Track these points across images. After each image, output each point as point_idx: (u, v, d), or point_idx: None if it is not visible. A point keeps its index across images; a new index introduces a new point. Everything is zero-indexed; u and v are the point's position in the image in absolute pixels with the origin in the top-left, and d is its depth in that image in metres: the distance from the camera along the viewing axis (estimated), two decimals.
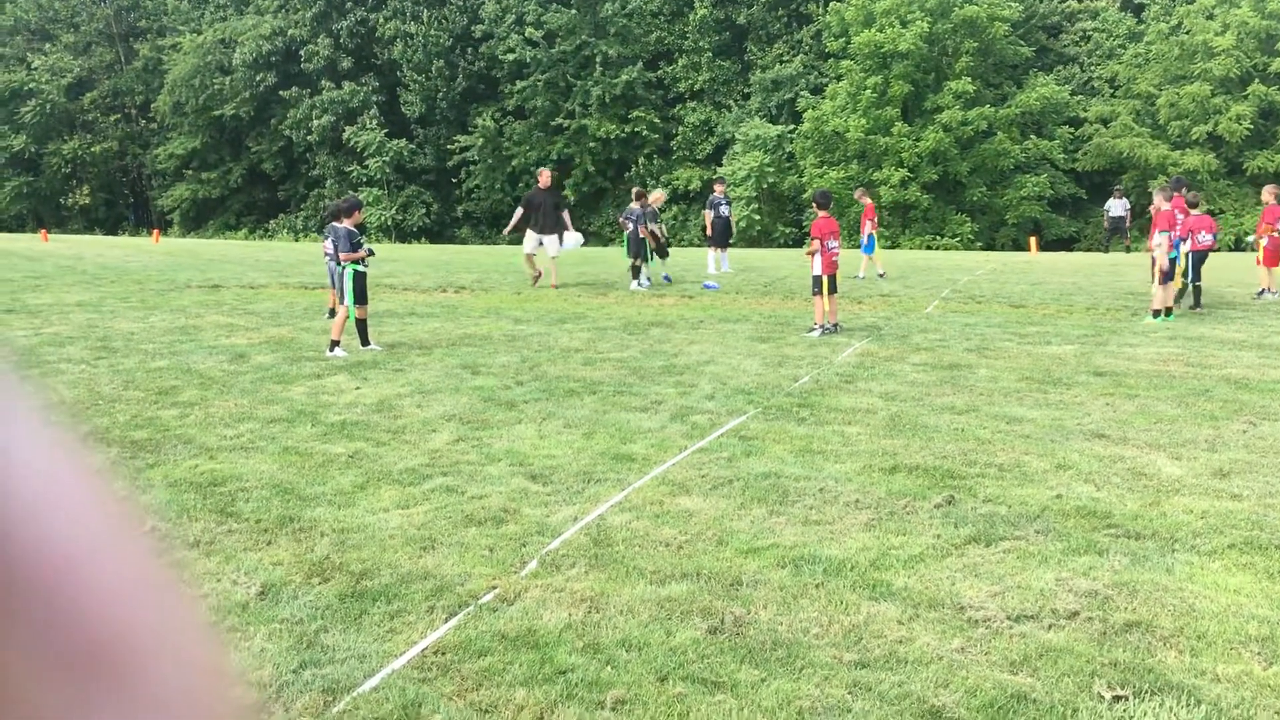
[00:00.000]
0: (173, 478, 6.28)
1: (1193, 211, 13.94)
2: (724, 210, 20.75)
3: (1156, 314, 13.27)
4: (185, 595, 0.27)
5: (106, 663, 0.24)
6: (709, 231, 20.87)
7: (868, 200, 20.51)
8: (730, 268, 21.51)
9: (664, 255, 19.12)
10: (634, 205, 18.70)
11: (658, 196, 20.33)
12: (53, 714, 0.22)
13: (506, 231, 18.95)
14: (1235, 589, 4.47)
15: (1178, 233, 13.42)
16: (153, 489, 6.05)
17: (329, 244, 14.03)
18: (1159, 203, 13.36)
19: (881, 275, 19.94)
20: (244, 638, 4.05)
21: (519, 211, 18.40)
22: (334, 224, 11.18)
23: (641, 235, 18.25)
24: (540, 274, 18.42)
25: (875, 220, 20.49)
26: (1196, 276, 14.40)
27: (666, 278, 19.15)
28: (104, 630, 0.24)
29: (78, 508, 0.25)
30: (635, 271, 18.43)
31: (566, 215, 18.27)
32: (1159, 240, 13.05)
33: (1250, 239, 17.26)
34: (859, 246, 20.36)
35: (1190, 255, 14.17)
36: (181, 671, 0.26)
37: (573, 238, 18.15)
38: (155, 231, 47.63)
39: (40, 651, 0.23)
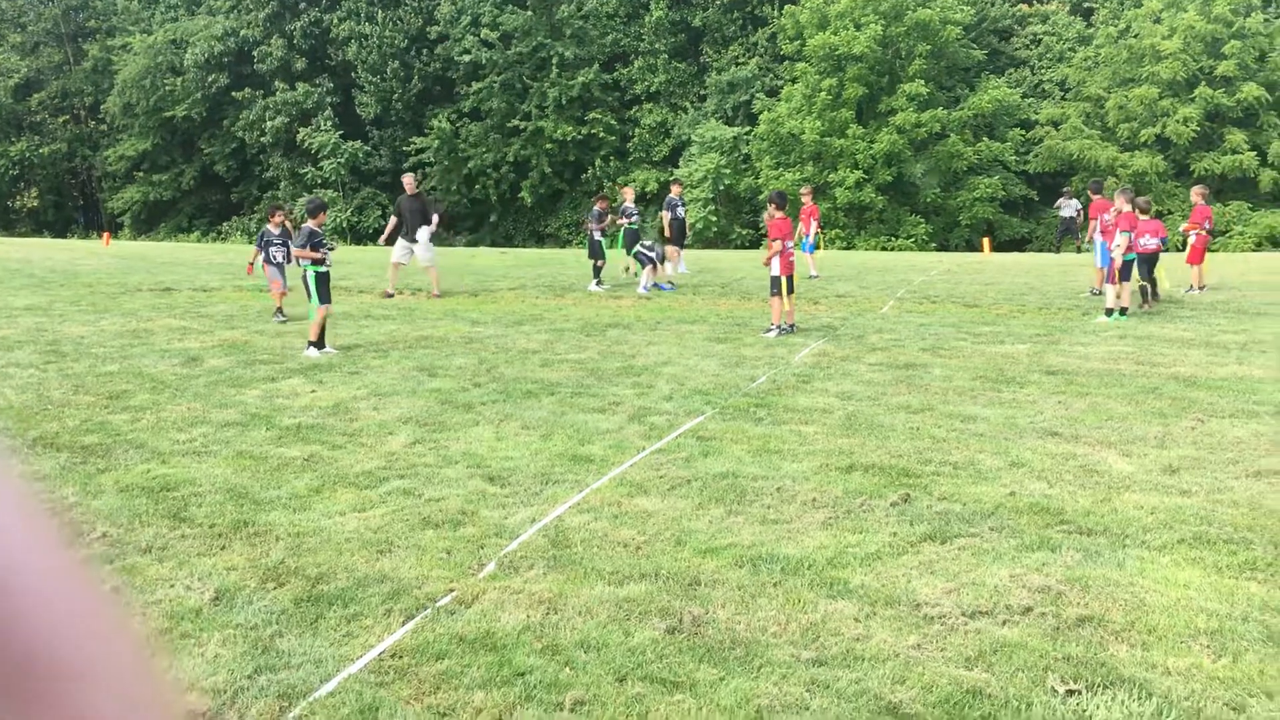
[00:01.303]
0: (124, 483, 6.19)
1: (1142, 217, 14.20)
2: (680, 211, 20.79)
3: (1110, 312, 13.50)
4: (119, 610, 0.27)
5: (38, 679, 0.23)
6: (667, 233, 20.89)
7: (810, 201, 20.73)
8: (687, 269, 21.58)
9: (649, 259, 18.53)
10: (596, 208, 18.68)
11: (627, 192, 20.30)
12: None
13: (382, 240, 18.06)
14: (1185, 583, 4.54)
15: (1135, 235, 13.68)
16: (103, 494, 5.96)
17: (262, 243, 14.06)
18: (1120, 204, 13.69)
19: (813, 276, 19.89)
20: (198, 644, 4.00)
21: (392, 220, 17.60)
22: (288, 226, 11.18)
23: (598, 238, 18.27)
24: (394, 293, 17.42)
25: (819, 221, 20.82)
26: (1145, 276, 14.66)
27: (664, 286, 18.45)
28: (34, 647, 0.23)
29: (3, 527, 0.25)
30: (596, 272, 18.43)
31: (436, 217, 17.53)
32: (1119, 241, 13.36)
33: (1181, 230, 17.94)
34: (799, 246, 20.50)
35: (1138, 258, 14.44)
36: (118, 686, 0.25)
37: (426, 232, 17.31)
38: (105, 234, 46.93)
39: None
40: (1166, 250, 15.82)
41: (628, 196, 19.94)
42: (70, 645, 0.24)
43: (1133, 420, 7.67)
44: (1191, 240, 17.07)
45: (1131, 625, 4.13)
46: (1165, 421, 7.61)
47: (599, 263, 18.36)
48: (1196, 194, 18.07)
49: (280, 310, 13.99)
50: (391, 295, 17.30)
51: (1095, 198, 16.41)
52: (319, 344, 10.86)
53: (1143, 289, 14.73)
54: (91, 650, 0.25)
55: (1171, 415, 7.81)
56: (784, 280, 12.18)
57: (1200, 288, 16.95)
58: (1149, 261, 14.57)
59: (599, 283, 18.35)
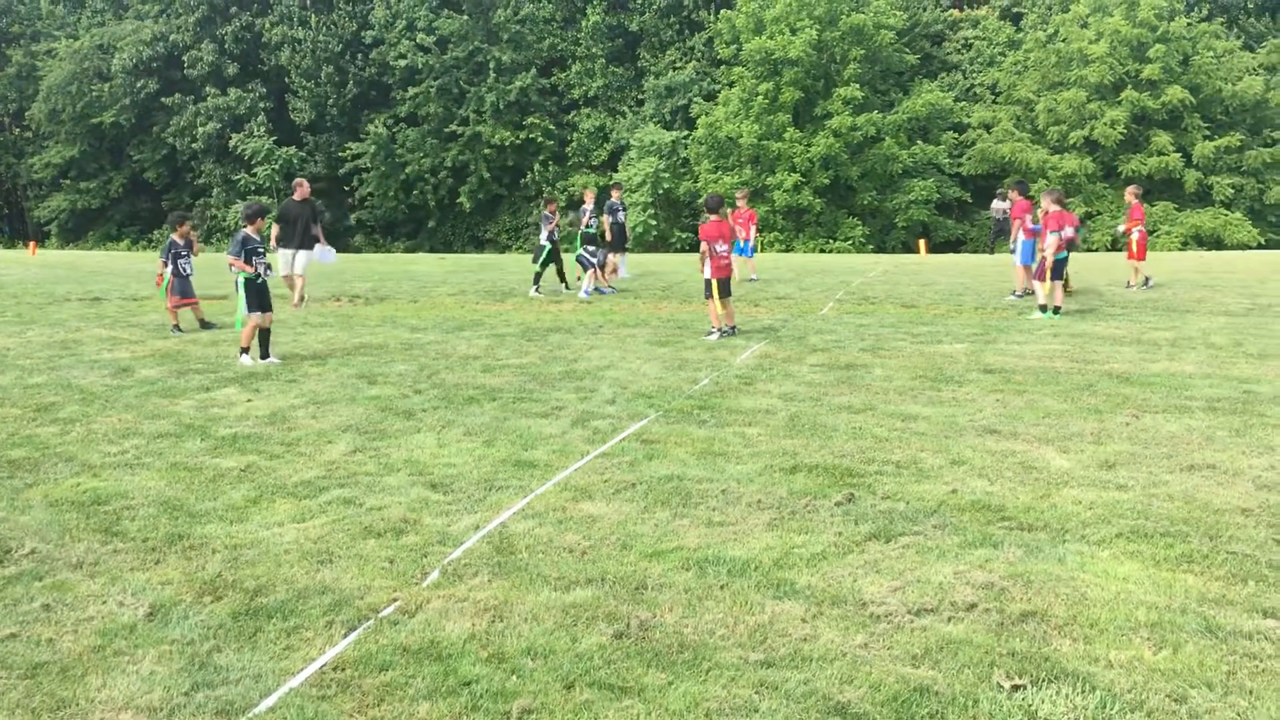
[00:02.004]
0: (53, 497, 6.02)
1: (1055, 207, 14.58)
2: (620, 216, 20.81)
3: (1044, 309, 13.79)
4: None
5: None
6: (608, 237, 20.87)
7: (744, 205, 20.85)
8: (628, 273, 21.60)
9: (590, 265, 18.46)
10: (545, 211, 18.53)
11: (588, 195, 20.11)
12: None
13: (273, 244, 17.16)
14: (1124, 577, 4.60)
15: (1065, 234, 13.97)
16: (32, 509, 5.79)
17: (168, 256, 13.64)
18: (1047, 205, 13.98)
19: (752, 279, 20.07)
20: (132, 661, 3.89)
21: (275, 228, 17.01)
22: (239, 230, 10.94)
23: (542, 241, 18.18)
24: (304, 298, 16.92)
25: (756, 224, 21.02)
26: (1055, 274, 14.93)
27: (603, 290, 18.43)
28: None
29: None
30: (536, 278, 18.30)
31: (319, 229, 17.02)
32: (1050, 240, 13.69)
33: (1120, 229, 18.52)
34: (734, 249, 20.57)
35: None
36: None
37: (325, 252, 16.84)
38: (32, 243, 45.82)
39: None
40: (1092, 250, 16.26)
41: (587, 200, 19.82)
42: None
43: (1069, 417, 7.79)
44: (1135, 237, 17.71)
45: (1073, 619, 4.17)
46: (1101, 418, 7.73)
47: (539, 268, 18.25)
48: (1131, 194, 18.81)
49: (204, 320, 13.74)
50: (302, 300, 16.80)
51: (1016, 199, 16.82)
52: (254, 351, 10.66)
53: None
54: None
55: (1106, 411, 7.94)
56: (715, 283, 12.19)
57: (1147, 281, 17.75)
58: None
59: (536, 289, 18.20)
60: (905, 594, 4.44)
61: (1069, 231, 14.30)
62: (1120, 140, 39.46)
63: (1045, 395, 8.60)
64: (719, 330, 12.23)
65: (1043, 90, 42.04)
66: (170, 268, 13.63)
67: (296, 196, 17.01)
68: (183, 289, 13.64)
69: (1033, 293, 14.70)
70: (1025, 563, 4.78)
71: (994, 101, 44.48)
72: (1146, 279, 17.78)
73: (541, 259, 18.22)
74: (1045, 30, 43.16)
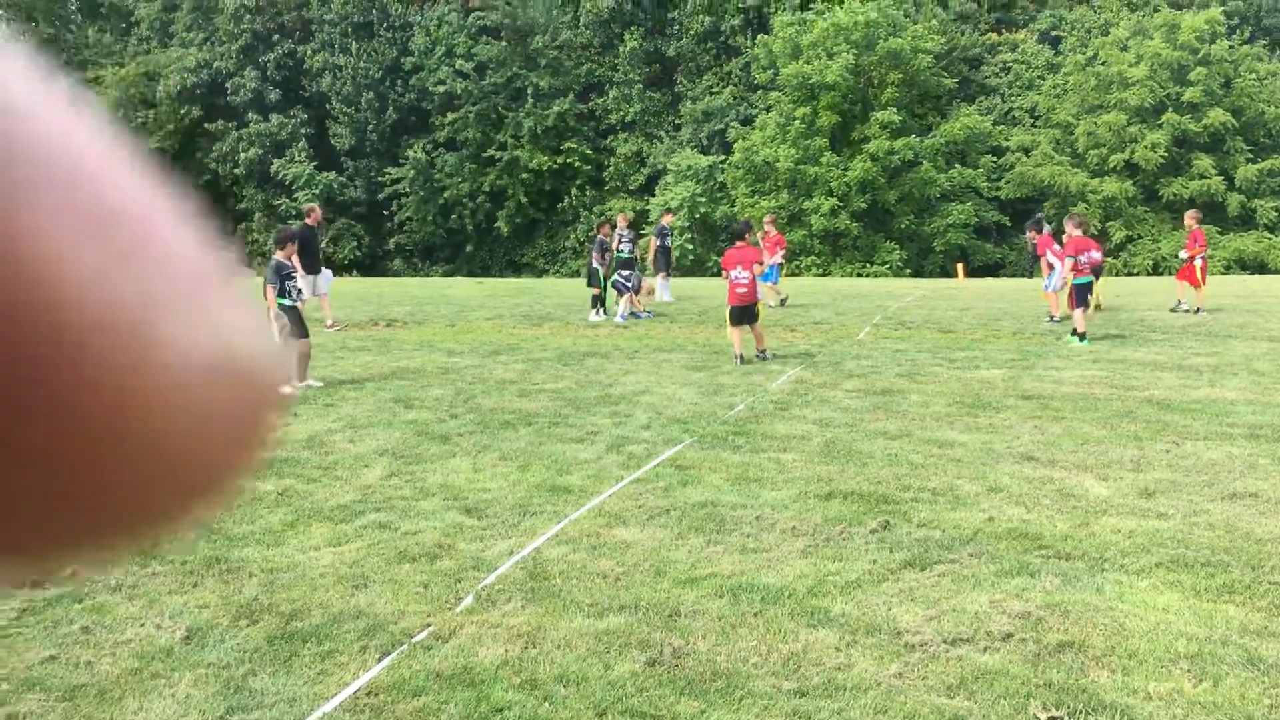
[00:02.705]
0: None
1: (1076, 232, 14.52)
2: (667, 240, 21.05)
3: (1075, 334, 13.71)
4: (158, 179, 0.30)
5: (127, 221, 0.26)
6: (649, 259, 21.13)
7: (774, 230, 20.82)
8: (671, 296, 21.73)
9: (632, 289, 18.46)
10: (600, 236, 18.56)
11: (621, 220, 20.19)
12: (91, 267, 0.24)
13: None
14: (1164, 607, 4.54)
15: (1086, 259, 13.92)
16: None
17: None
18: (1070, 230, 13.98)
19: (775, 305, 19.71)
20: (168, 684, 3.93)
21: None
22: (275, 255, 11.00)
23: (595, 265, 18.18)
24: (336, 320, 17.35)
25: (784, 249, 20.98)
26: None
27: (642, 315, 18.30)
28: (104, 187, 0.26)
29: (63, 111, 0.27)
30: (594, 302, 18.24)
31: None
32: (1068, 265, 13.78)
33: (1183, 255, 18.25)
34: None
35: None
36: (183, 230, 0.28)
37: (326, 275, 17.34)
38: None
39: (70, 212, 0.24)
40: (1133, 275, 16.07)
41: (621, 224, 19.89)
42: (147, 198, 0.28)
43: (1108, 444, 7.70)
44: (1198, 264, 17.44)
45: (1112, 650, 4.12)
46: (1140, 445, 7.64)
47: (597, 291, 18.17)
48: (1191, 219, 18.38)
49: None
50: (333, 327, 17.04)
51: (1036, 237, 16.82)
52: (295, 378, 10.76)
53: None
54: (161, 206, 0.29)
55: (1146, 438, 7.85)
56: (729, 310, 12.21)
57: (1198, 310, 17.35)
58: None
59: (599, 312, 18.09)
60: (940, 623, 4.40)
61: (1095, 255, 14.25)
62: (1161, 163, 39.16)
63: (1084, 422, 8.52)
64: (739, 357, 12.12)
65: (1082, 113, 41.82)
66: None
67: (310, 221, 17.20)
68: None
69: (1067, 317, 14.61)
70: (1063, 592, 4.72)
71: (1033, 125, 44.29)
72: (1198, 308, 17.31)
73: (599, 280, 18.12)
74: (1084, 53, 42.98)
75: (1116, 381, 10.45)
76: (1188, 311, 17.25)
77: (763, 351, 12.38)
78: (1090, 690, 3.77)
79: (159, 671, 4.05)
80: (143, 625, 4.51)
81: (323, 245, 17.99)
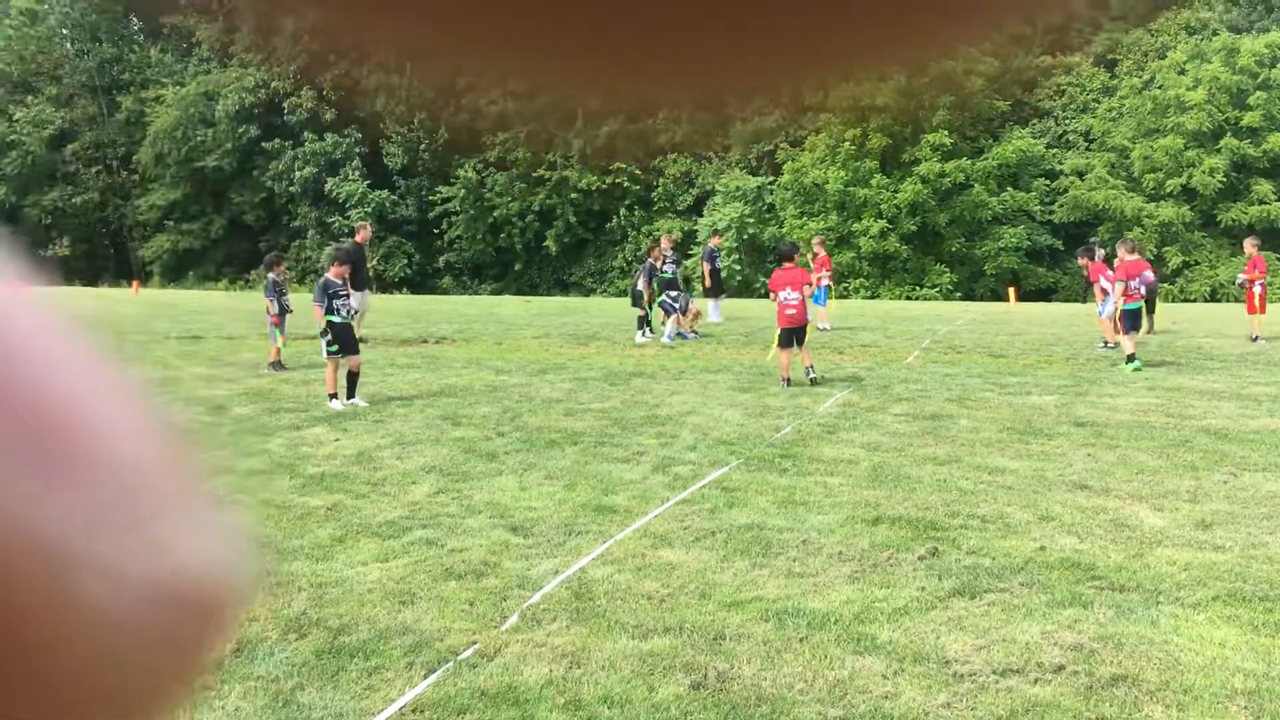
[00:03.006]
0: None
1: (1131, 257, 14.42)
2: (717, 262, 21.16)
3: (1130, 359, 13.54)
4: (131, 383, 0.28)
5: (53, 426, 0.24)
6: (707, 283, 21.28)
7: (822, 251, 20.74)
8: (720, 318, 21.76)
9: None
10: (649, 261, 18.58)
11: (665, 241, 20.23)
12: (18, 492, 0.23)
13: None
14: (1220, 642, 4.44)
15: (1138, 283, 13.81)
16: None
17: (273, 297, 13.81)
18: (1122, 254, 13.97)
19: (825, 328, 19.56)
20: (218, 696, 3.97)
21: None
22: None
23: (639, 288, 18.23)
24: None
25: (830, 270, 20.91)
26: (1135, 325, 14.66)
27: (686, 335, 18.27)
28: (42, 392, 0.25)
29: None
30: (640, 323, 18.24)
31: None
32: (1118, 290, 13.71)
33: (1240, 279, 17.91)
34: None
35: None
36: (134, 436, 0.26)
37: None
38: (135, 282, 47.51)
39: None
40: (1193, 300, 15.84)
41: (665, 245, 19.92)
42: (93, 401, 0.26)
43: (1164, 474, 7.57)
44: (1257, 290, 17.09)
45: (1166, 685, 4.04)
46: (1197, 475, 7.50)
47: (643, 313, 18.19)
48: (1250, 245, 17.93)
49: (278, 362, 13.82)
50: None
51: (1088, 264, 16.73)
52: (342, 394, 10.85)
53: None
54: (114, 408, 0.27)
55: (1203, 469, 7.70)
56: (778, 333, 12.13)
57: (1256, 339, 16.90)
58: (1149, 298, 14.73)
59: (645, 333, 18.13)
60: (990, 653, 4.34)
61: (1149, 276, 14.12)
62: (1219, 188, 38.56)
63: (1139, 450, 8.38)
64: (785, 380, 12.02)
65: (1138, 137, 41.31)
66: (275, 306, 13.86)
67: (359, 239, 17.42)
68: (282, 327, 13.92)
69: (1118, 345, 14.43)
70: (1116, 624, 4.64)
71: (1087, 148, 43.81)
72: (1256, 336, 16.83)
73: (643, 302, 18.14)
74: (1141, 77, 42.50)
75: (1173, 410, 10.28)
76: (1259, 341, 16.76)
77: (810, 368, 12.20)
78: None
79: (208, 683, 4.08)
80: None
81: (373, 263, 18.33)
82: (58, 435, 0.24)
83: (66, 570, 0.23)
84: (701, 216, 46.74)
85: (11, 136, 59.89)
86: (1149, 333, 15.64)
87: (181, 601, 0.26)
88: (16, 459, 0.23)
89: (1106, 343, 16.03)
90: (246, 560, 0.28)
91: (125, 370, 0.27)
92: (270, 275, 14.38)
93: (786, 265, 12.31)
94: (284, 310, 13.80)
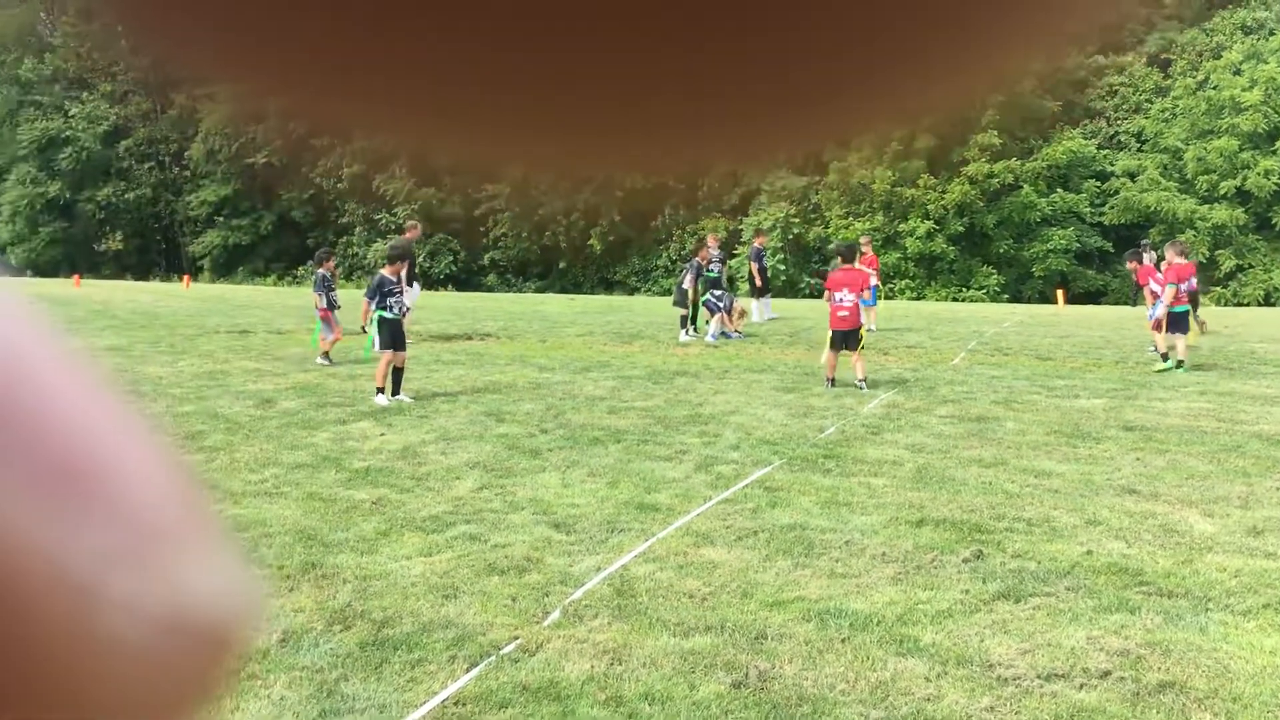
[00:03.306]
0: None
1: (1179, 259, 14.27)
2: (764, 261, 21.24)
3: (1180, 364, 13.45)
4: (138, 418, 0.30)
5: (75, 471, 0.26)
6: (758, 282, 21.37)
7: (870, 251, 20.69)
8: (773, 314, 21.88)
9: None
10: (696, 260, 18.57)
11: (714, 239, 20.29)
12: (40, 528, 0.24)
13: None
14: (1271, 650, 4.37)
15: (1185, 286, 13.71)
16: None
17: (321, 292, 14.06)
18: (1171, 256, 13.88)
19: (870, 330, 19.55)
20: (264, 685, 4.02)
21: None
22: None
23: (685, 286, 18.24)
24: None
25: (879, 272, 20.88)
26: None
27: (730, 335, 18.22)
28: (65, 439, 0.26)
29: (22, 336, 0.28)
30: (683, 322, 18.24)
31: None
32: (1168, 293, 13.53)
33: None
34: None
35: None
36: (149, 478, 0.28)
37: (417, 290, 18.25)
38: (186, 277, 48.19)
39: (21, 466, 0.24)
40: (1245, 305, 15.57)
41: (711, 244, 19.93)
42: (105, 438, 0.27)
43: (1215, 479, 7.45)
44: None
45: (1215, 693, 3.98)
46: (1249, 481, 7.38)
47: (685, 311, 18.19)
48: None
49: (327, 355, 13.97)
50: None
51: (1137, 268, 16.57)
52: (389, 389, 10.93)
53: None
54: (125, 445, 0.28)
55: (1255, 475, 7.57)
56: (830, 334, 11.91)
57: None
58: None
59: (688, 332, 18.09)
60: (1035, 657, 4.30)
61: (1193, 283, 13.98)
62: (1275, 191, 37.89)
63: (1189, 455, 8.26)
64: (830, 380, 11.81)
65: (1192, 138, 40.68)
66: (324, 301, 14.03)
67: (409, 236, 17.84)
68: (332, 322, 14.08)
69: (1174, 348, 14.24)
70: (1164, 630, 4.58)
71: (1139, 150, 43.21)
72: None
73: (687, 301, 18.14)
74: (1195, 77, 41.83)
75: (1224, 415, 10.12)
76: None
77: (862, 381, 11.79)
78: None
79: (255, 672, 4.14)
80: None
81: (420, 260, 18.79)
82: (77, 473, 0.26)
83: (87, 602, 0.25)
84: (747, 216, 46.62)
85: (67, 132, 60.99)
86: (1201, 334, 15.40)
87: (193, 632, 0.28)
88: (40, 496, 0.25)
89: (1157, 347, 15.82)
90: (252, 593, 0.29)
91: (136, 408, 0.29)
92: (320, 270, 14.59)
93: (845, 266, 12.15)
94: (332, 305, 13.97)
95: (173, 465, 0.29)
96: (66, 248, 63.07)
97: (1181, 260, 13.74)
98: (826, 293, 12.07)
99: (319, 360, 13.79)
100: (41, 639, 0.24)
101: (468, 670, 4.17)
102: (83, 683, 0.25)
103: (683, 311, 18.18)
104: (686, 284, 18.18)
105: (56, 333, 0.28)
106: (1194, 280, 14.17)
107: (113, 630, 0.25)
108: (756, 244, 22.37)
